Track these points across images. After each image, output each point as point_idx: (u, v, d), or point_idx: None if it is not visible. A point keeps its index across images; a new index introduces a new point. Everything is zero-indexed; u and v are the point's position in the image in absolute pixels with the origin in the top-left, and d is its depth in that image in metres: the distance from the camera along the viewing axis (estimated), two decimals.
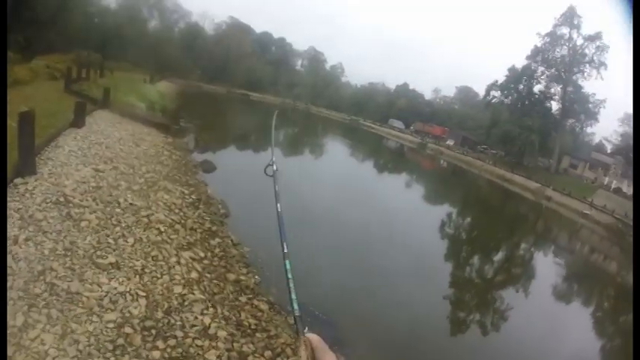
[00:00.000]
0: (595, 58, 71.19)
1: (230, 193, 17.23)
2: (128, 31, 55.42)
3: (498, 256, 27.76)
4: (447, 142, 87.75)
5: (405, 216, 28.11)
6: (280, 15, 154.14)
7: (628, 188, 62.59)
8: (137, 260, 8.57)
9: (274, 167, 3.26)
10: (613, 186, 64.25)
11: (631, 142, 78.48)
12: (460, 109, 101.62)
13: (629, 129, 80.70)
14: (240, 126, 42.51)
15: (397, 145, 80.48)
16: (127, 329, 6.52)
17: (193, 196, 14.26)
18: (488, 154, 79.49)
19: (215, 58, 70.17)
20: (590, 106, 72.30)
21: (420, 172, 59.74)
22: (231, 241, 12.40)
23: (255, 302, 9.43)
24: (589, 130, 79.74)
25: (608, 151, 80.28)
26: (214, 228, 12.48)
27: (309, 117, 76.33)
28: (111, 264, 7.94)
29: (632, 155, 73.48)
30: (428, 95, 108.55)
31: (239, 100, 64.93)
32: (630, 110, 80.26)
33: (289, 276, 2.08)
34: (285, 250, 2.26)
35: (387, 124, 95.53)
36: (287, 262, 2.18)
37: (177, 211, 12.08)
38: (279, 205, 2.74)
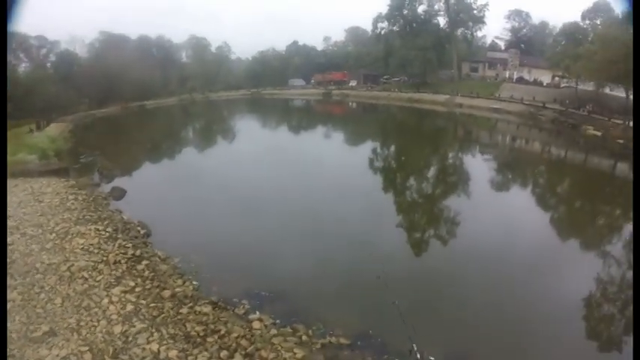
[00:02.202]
0: None
1: (147, 210, 16.95)
2: None
3: (431, 172, 29.28)
4: (350, 84, 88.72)
5: (336, 164, 28.94)
6: (153, 12, 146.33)
7: (529, 75, 66.84)
8: (70, 318, 8.51)
9: None
10: (515, 77, 68.10)
11: (520, 34, 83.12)
12: (354, 50, 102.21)
13: (517, 23, 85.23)
14: (142, 139, 41.15)
15: (303, 103, 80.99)
16: None
17: (109, 229, 13.94)
18: (392, 83, 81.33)
19: (97, 80, 65.75)
20: (474, 12, 75.12)
21: (333, 120, 60.54)
22: (159, 257, 12.39)
23: (198, 308, 9.57)
24: (479, 34, 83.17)
25: (502, 48, 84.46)
26: (138, 252, 12.35)
27: (211, 105, 74.66)
28: (46, 333, 7.88)
29: (524, 46, 77.92)
30: (319, 46, 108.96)
31: (135, 114, 62.25)
32: (514, 6, 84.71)
33: None
34: None
35: (288, 85, 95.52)
36: None
37: (96, 251, 11.85)
38: None
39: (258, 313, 9.88)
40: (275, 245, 14.79)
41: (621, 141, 33.33)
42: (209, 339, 8.42)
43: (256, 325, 9.23)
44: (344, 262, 13.61)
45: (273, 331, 9.05)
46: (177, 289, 10.29)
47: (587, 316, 11.00)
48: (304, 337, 9.01)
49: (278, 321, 9.64)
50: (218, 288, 10.96)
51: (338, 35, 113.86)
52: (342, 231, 16.19)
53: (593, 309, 11.44)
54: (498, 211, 19.83)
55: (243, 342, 8.42)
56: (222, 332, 8.68)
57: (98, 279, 10.20)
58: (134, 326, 8.37)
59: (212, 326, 8.87)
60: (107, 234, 13.50)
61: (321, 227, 16.66)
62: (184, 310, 9.38)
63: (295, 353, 8.21)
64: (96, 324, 8.36)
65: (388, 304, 10.92)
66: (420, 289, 12.04)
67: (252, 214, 17.69)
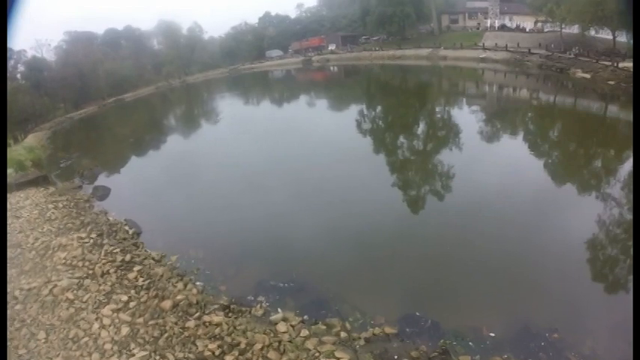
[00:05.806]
0: None
1: (135, 206, 15.53)
2: None
3: (420, 129, 27.75)
4: (330, 48, 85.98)
5: (324, 132, 27.43)
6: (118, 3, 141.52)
7: (510, 22, 65.13)
8: (57, 355, 6.99)
9: None
10: (497, 25, 66.06)
11: None
12: (329, 13, 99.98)
13: None
14: (123, 134, 39.26)
15: (284, 73, 78.40)
16: None
17: (94, 235, 12.22)
18: (372, 43, 79.19)
19: (69, 82, 63.50)
20: None
21: (316, 86, 58.09)
22: (153, 259, 10.81)
23: (207, 318, 7.91)
24: None
25: None
26: (128, 257, 10.70)
27: (189, 88, 72.38)
28: None
29: None
30: (293, 14, 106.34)
31: (113, 109, 60.17)
32: None
33: None
34: None
35: (266, 57, 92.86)
36: None
37: (80, 264, 10.12)
38: None
39: (280, 311, 8.26)
40: (281, 225, 13.20)
41: (611, 82, 31.96)
42: (227, 358, 6.74)
43: (282, 327, 7.57)
44: (362, 233, 12.06)
45: (304, 332, 7.41)
46: (180, 297, 8.54)
47: (591, 257, 10.19)
48: (343, 334, 7.40)
49: (306, 317, 8.06)
50: (227, 286, 9.42)
51: (311, 0, 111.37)
52: (347, 199, 14.72)
53: (596, 249, 10.60)
54: (491, 160, 18.72)
55: (271, 354, 6.76)
56: (243, 345, 7.00)
57: (85, 299, 8.54)
58: (133, 355, 6.76)
59: (228, 339, 7.17)
60: (91, 241, 11.75)
61: (326, 197, 15.22)
62: (191, 324, 7.67)
63: (339, 358, 6.62)
64: (87, 358, 6.78)
65: (428, 276, 9.53)
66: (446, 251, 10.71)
67: (249, 194, 16.12)
